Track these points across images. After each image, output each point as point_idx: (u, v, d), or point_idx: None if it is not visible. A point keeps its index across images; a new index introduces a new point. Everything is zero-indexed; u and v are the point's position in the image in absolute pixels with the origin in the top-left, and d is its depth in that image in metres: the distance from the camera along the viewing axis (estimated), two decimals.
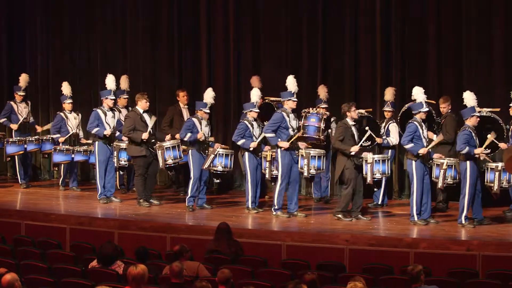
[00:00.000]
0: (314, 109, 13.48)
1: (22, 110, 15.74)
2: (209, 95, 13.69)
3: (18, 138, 15.34)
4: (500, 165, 12.33)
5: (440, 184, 12.57)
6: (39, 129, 15.87)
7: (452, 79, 14.50)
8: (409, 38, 14.76)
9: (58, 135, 15.12)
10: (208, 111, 13.59)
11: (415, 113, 12.56)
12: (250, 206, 13.29)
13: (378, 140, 13.46)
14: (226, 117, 15.84)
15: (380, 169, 12.86)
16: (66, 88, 15.26)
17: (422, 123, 12.53)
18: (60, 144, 14.99)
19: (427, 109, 12.66)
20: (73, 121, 15.18)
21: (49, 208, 13.74)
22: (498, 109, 13.12)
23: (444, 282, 9.40)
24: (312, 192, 14.71)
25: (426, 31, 14.63)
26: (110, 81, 14.24)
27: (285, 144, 12.82)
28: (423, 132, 12.48)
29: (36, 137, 15.47)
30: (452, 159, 12.66)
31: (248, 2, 15.87)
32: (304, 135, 13.12)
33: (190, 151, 13.47)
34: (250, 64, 15.80)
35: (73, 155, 14.84)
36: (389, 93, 14.05)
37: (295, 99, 13.02)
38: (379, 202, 14.00)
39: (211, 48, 16.03)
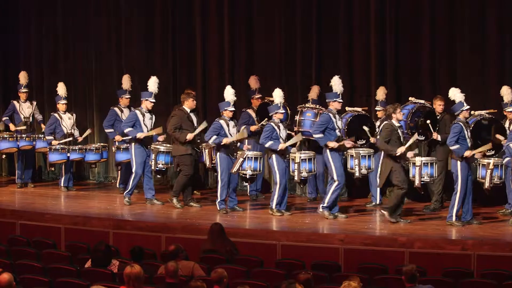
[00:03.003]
0: (311, 105, 13.53)
1: (24, 109, 15.69)
2: (229, 93, 13.41)
3: (10, 134, 15.31)
4: (492, 161, 12.35)
5: (487, 185, 12.47)
6: (43, 128, 15.82)
7: (445, 79, 14.50)
8: (403, 38, 14.77)
9: (51, 138, 15.03)
10: (233, 109, 13.35)
11: (457, 113, 12.46)
12: (274, 207, 13.06)
13: (372, 140, 13.47)
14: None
15: (428, 172, 12.54)
16: (61, 89, 15.23)
17: (467, 123, 12.40)
18: (55, 143, 14.94)
19: (468, 107, 12.49)
20: (67, 121, 15.15)
21: (44, 208, 13.72)
22: (495, 110, 13.13)
23: (439, 281, 9.41)
24: (306, 192, 14.71)
25: (419, 31, 14.64)
26: (152, 84, 13.98)
27: (334, 144, 12.65)
28: (468, 133, 12.36)
29: (28, 134, 15.41)
30: (497, 159, 12.58)
31: (242, 2, 15.88)
32: (300, 130, 13.23)
33: (218, 154, 13.26)
34: (244, 64, 15.80)
35: (68, 154, 14.82)
36: (380, 93, 14.08)
37: (341, 100, 12.84)
38: (377, 202, 13.99)
39: (206, 48, 16.02)
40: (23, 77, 15.80)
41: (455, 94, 12.57)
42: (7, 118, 15.70)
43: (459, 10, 14.46)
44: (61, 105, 15.15)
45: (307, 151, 13.32)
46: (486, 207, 13.57)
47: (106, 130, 15.04)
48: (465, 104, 12.41)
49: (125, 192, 13.96)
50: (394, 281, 9.44)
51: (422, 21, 14.63)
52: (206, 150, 13.59)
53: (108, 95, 16.44)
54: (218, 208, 13.31)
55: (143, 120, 13.81)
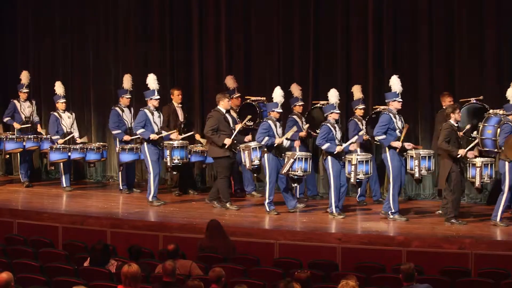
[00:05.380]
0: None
1: (25, 109, 15.67)
2: (278, 94, 13.30)
3: (17, 135, 15.27)
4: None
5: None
6: (39, 129, 15.81)
7: (443, 79, 14.51)
8: (401, 38, 14.78)
9: (57, 137, 15.00)
10: (280, 110, 13.25)
11: (508, 114, 12.43)
12: (334, 211, 12.94)
13: (364, 136, 13.54)
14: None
15: (488, 173, 12.46)
16: (59, 88, 15.22)
17: None
18: (56, 143, 14.93)
19: None
20: (67, 120, 15.13)
21: (42, 207, 13.72)
22: (481, 97, 13.28)
23: (437, 280, 9.41)
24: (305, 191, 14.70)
25: (417, 31, 14.65)
26: (151, 81, 14.01)
27: (398, 144, 12.50)
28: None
29: (35, 135, 15.39)
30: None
31: (239, 2, 15.87)
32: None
33: (266, 155, 13.12)
34: (241, 64, 15.79)
35: (69, 153, 14.78)
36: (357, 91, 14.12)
37: (400, 100, 12.68)
38: (379, 198, 14.02)
39: (203, 48, 16.02)
40: (25, 76, 15.78)
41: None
42: (10, 118, 15.66)
43: (457, 10, 14.45)
44: (60, 103, 15.12)
45: (364, 153, 13.19)
46: (487, 206, 13.61)
47: (114, 132, 14.97)
48: None
49: (151, 196, 13.76)
50: (391, 280, 9.44)
51: (421, 21, 14.62)
52: (246, 152, 13.41)
53: (106, 94, 16.43)
54: (268, 210, 13.13)
55: (153, 118, 13.80)
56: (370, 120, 13.92)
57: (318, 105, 14.29)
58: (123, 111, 14.91)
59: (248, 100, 14.52)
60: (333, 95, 13.06)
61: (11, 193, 15.15)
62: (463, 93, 13.81)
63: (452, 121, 12.39)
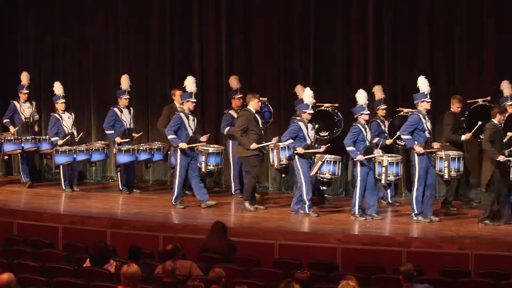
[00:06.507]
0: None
1: (25, 109, 15.64)
2: (308, 95, 13.17)
3: (15, 137, 15.24)
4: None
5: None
6: (36, 129, 15.80)
7: (444, 79, 14.50)
8: (401, 38, 14.78)
9: (56, 138, 14.94)
10: (312, 111, 13.11)
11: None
12: (356, 212, 12.81)
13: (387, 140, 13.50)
14: (218, 116, 15.78)
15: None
16: (58, 88, 15.17)
17: None
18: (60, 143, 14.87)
19: None
20: (67, 120, 15.08)
21: (42, 207, 13.71)
22: (488, 98, 13.34)
23: (437, 281, 9.41)
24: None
25: (417, 31, 14.64)
26: (189, 83, 13.80)
27: (420, 149, 12.38)
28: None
29: (33, 136, 15.35)
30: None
31: (240, 2, 15.86)
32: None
33: (297, 157, 12.99)
34: (242, 64, 15.78)
35: (75, 155, 14.71)
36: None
37: (429, 100, 12.57)
38: (389, 201, 13.95)
39: (203, 48, 16.00)
40: (25, 77, 15.73)
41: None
42: (8, 120, 15.64)
43: (458, 10, 14.45)
44: (60, 104, 15.08)
45: (394, 155, 13.09)
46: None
47: (107, 132, 14.96)
48: None
49: (174, 199, 13.63)
50: (391, 280, 9.44)
51: (421, 21, 14.62)
52: (274, 151, 13.29)
53: (106, 94, 16.42)
54: (307, 212, 12.99)
55: (188, 122, 13.59)
56: (391, 124, 13.76)
57: (323, 107, 14.22)
58: (122, 111, 14.88)
59: None
60: (362, 96, 12.91)
61: (11, 194, 15.14)
62: (464, 93, 13.78)
63: (495, 121, 12.31)
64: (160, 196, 14.55)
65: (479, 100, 13.37)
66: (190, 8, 16.07)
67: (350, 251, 11.48)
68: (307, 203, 12.98)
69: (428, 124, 12.57)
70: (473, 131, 13.01)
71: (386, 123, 13.79)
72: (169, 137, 13.58)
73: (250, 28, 15.79)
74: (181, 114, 13.60)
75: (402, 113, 13.57)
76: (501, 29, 14.24)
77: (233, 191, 14.71)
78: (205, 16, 16.00)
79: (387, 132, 13.68)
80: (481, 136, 12.88)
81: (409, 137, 12.51)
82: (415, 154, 12.45)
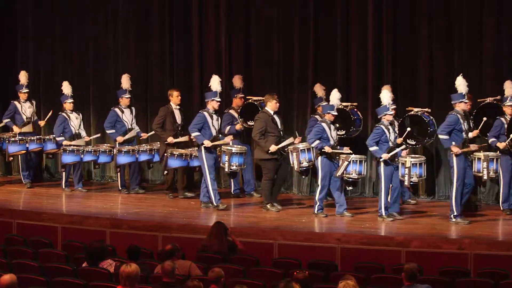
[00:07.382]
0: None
1: (26, 109, 15.62)
2: (335, 97, 13.10)
3: (20, 137, 15.21)
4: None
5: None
6: (41, 123, 15.76)
7: (443, 79, 14.50)
8: (401, 38, 14.78)
9: (62, 138, 14.91)
10: (335, 113, 13.01)
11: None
12: (383, 213, 12.72)
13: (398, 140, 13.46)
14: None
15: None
16: (66, 88, 15.11)
17: None
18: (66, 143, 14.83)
19: None
20: (75, 121, 15.04)
21: (41, 207, 13.72)
22: (498, 97, 13.35)
23: (436, 281, 9.41)
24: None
25: (417, 31, 14.65)
26: (215, 83, 13.67)
27: (457, 150, 12.26)
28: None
29: (38, 136, 15.33)
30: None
31: (240, 2, 15.86)
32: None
33: (319, 158, 12.93)
34: (241, 64, 15.77)
35: (82, 156, 14.69)
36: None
37: (467, 100, 12.53)
38: (406, 198, 13.91)
39: (203, 48, 16.01)
40: (23, 77, 15.71)
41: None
42: (9, 120, 15.63)
43: (457, 10, 14.45)
44: (68, 104, 15.03)
45: (417, 155, 13.01)
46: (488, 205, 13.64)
47: (108, 131, 14.95)
48: None
49: (215, 200, 13.47)
50: (391, 280, 9.44)
51: (421, 21, 14.62)
52: (294, 154, 13.20)
53: (106, 94, 16.43)
54: (315, 212, 12.98)
55: (211, 121, 13.51)
56: (401, 123, 13.64)
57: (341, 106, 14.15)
58: (123, 112, 14.87)
59: (250, 100, 14.46)
60: (385, 96, 12.81)
61: (11, 193, 15.15)
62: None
63: None
64: (160, 196, 14.54)
65: (489, 98, 13.38)
66: (190, 8, 16.07)
67: (350, 251, 11.48)
68: (317, 203, 12.97)
69: (466, 125, 12.52)
70: (479, 127, 13.03)
71: (396, 123, 13.77)
72: (193, 134, 13.46)
73: (250, 28, 15.79)
74: (205, 113, 13.51)
75: (411, 112, 13.51)
76: (501, 29, 14.25)
77: (232, 191, 14.72)
78: (205, 16, 16.00)
79: (397, 131, 13.64)
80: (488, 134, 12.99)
81: (446, 137, 12.40)
82: (453, 155, 12.36)
